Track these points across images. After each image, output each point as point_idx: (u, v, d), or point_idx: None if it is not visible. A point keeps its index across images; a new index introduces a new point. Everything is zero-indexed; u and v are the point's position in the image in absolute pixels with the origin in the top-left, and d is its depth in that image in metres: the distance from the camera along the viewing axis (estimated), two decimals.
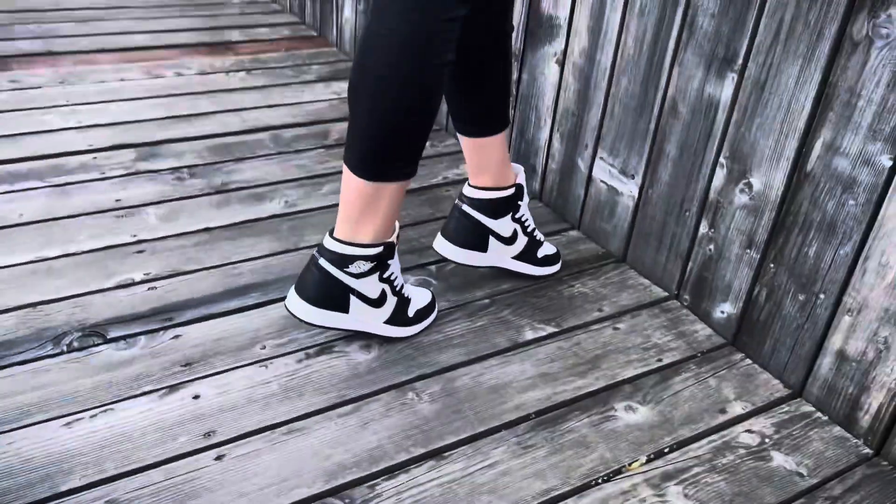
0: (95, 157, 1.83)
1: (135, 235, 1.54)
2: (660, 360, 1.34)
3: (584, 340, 1.37)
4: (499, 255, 1.46)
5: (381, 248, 1.21)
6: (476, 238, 1.43)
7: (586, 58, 1.61)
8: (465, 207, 1.41)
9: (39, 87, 2.18)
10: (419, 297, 1.35)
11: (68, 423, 1.09)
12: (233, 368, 1.23)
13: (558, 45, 1.68)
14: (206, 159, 1.88)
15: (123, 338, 1.27)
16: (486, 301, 1.45)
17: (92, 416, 1.11)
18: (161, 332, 1.29)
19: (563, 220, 1.75)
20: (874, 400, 1.19)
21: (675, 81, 1.41)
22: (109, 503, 0.98)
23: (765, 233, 1.30)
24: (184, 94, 2.23)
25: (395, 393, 1.21)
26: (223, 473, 1.04)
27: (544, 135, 1.78)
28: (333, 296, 1.22)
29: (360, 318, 1.26)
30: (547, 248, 1.52)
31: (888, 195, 1.11)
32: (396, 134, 1.14)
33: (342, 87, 2.38)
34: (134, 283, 1.40)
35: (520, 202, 1.43)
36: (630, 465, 1.12)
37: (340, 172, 1.84)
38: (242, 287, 1.42)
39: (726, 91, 1.32)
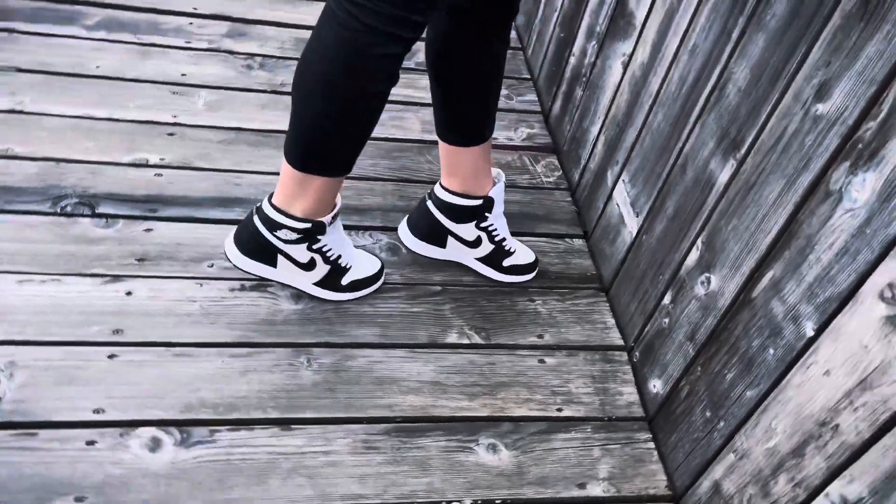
0: (192, 23, 1.97)
1: (175, 116, 1.68)
2: (559, 410, 1.32)
3: (502, 363, 1.37)
4: (460, 253, 1.46)
5: (309, 225, 1.26)
6: (435, 235, 1.43)
7: (643, 73, 1.47)
8: (429, 204, 1.41)
9: None
10: (361, 268, 1.40)
11: (20, 281, 1.30)
12: (174, 277, 1.37)
13: (627, 46, 1.54)
14: (285, 52, 1.96)
15: (107, 216, 1.44)
16: (437, 289, 1.47)
17: (42, 282, 1.31)
18: (139, 221, 1.45)
19: (578, 225, 1.68)
20: None
21: (693, 140, 1.28)
22: (11, 364, 1.19)
23: (705, 334, 1.20)
24: None
25: (290, 352, 1.31)
26: (106, 373, 1.21)
27: (594, 130, 1.68)
28: (263, 252, 1.31)
29: (288, 274, 1.34)
30: (518, 258, 1.48)
31: (798, 364, 0.99)
32: (319, 140, 1.16)
33: None
34: (146, 165, 1.56)
35: (487, 213, 1.39)
36: (450, 503, 1.17)
37: (397, 101, 1.86)
38: (232, 199, 1.54)
39: (724, 175, 1.18)
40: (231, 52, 1.91)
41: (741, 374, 1.10)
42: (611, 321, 1.49)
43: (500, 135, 1.87)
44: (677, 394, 1.27)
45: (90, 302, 1.30)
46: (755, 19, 1.12)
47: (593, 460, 1.26)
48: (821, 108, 0.98)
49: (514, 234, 1.60)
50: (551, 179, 1.78)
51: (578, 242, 1.64)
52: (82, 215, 1.44)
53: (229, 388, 1.23)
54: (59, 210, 1.43)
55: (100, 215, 1.44)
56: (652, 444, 1.31)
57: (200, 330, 1.30)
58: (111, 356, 1.23)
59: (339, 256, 1.35)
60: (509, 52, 2.26)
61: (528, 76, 2.09)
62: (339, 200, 1.30)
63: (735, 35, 1.17)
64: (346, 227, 1.53)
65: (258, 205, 1.29)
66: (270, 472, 1.15)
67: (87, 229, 1.41)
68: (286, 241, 1.28)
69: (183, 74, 1.80)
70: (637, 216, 1.45)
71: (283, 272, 1.34)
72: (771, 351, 1.04)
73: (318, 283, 1.36)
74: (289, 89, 1.79)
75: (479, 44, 1.23)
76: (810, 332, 0.97)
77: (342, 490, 1.15)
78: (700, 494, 1.19)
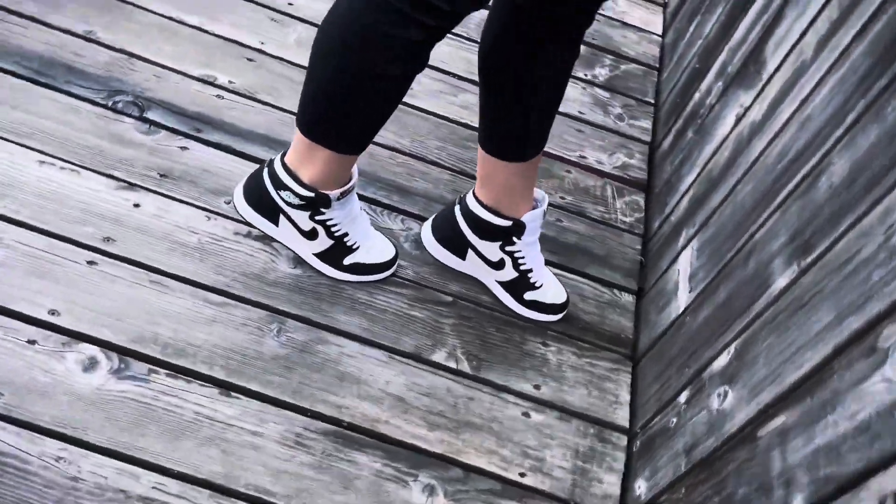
0: None
1: (262, 43, 1.63)
2: (522, 475, 1.16)
3: (481, 402, 1.22)
4: (479, 270, 1.32)
5: (312, 195, 1.16)
6: (456, 243, 1.29)
7: (750, 133, 1.25)
8: (457, 209, 1.26)
9: None
10: (371, 252, 1.29)
11: (41, 161, 1.29)
12: (186, 202, 1.32)
13: (748, 97, 1.31)
14: None
15: (152, 123, 1.41)
16: (448, 299, 1.34)
17: (61, 168, 1.30)
18: (180, 137, 1.41)
19: (636, 279, 1.48)
20: None
21: (768, 228, 1.06)
22: None
23: (701, 453, 1.01)
24: None
25: (265, 316, 1.22)
26: (79, 277, 1.18)
27: (688, 181, 1.46)
28: (267, 207, 1.23)
29: (289, 237, 1.25)
30: (544, 294, 1.32)
31: None
32: (327, 109, 1.07)
33: None
34: (213, 84, 1.52)
35: (516, 238, 1.24)
36: None
37: None
38: (280, 141, 1.46)
39: (781, 281, 0.97)
40: None
41: None
42: (625, 397, 1.30)
43: (591, 155, 1.68)
44: None
45: (96, 202, 1.27)
46: (875, 107, 0.89)
47: None
48: None
49: (560, 267, 1.43)
50: (628, 220, 1.58)
51: (627, 298, 1.45)
52: (130, 115, 1.41)
53: (188, 332, 1.17)
54: (110, 104, 1.42)
55: (146, 120, 1.42)
56: None
57: (188, 264, 1.25)
58: (90, 262, 1.20)
59: (346, 234, 1.25)
60: (640, 69, 2.08)
61: (653, 101, 1.88)
62: (354, 175, 1.19)
63: (849, 119, 0.94)
64: (381, 205, 1.43)
65: (272, 157, 1.21)
66: (189, 432, 1.08)
67: (128, 130, 1.39)
68: (289, 204, 1.19)
69: (290, 3, 1.74)
70: (690, 292, 1.25)
71: (285, 234, 1.25)
72: None
73: (319, 255, 1.27)
74: None
75: (536, 48, 1.07)
76: None
77: (251, 478, 1.06)
78: None
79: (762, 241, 1.06)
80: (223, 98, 1.50)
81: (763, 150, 1.17)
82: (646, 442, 1.20)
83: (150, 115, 1.42)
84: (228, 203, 1.33)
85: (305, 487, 1.07)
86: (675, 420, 1.13)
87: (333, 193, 1.17)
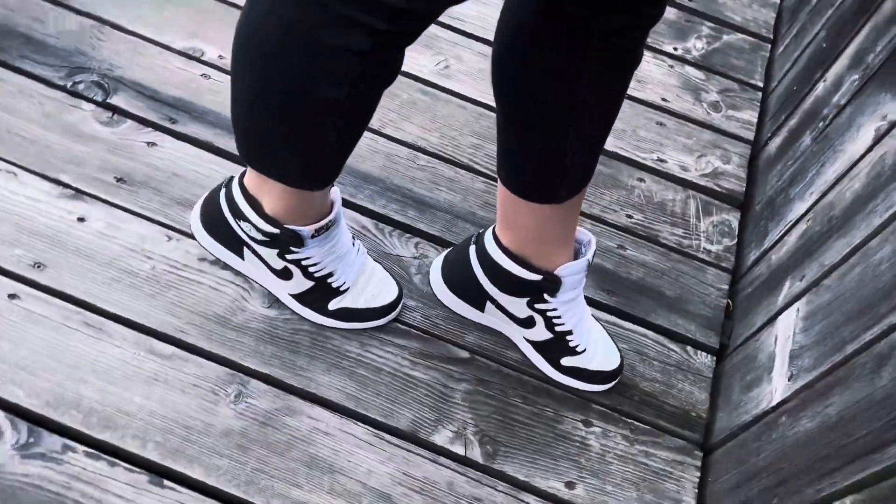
0: None
1: None
2: None
3: (493, 502, 0.93)
4: (502, 324, 1.00)
5: (276, 231, 0.87)
6: (472, 293, 0.98)
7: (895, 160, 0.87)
8: (472, 252, 0.95)
9: None
10: (364, 293, 0.99)
11: None
12: (143, 216, 1.05)
13: (894, 107, 0.93)
14: None
15: (116, 110, 1.15)
16: (464, 354, 1.03)
17: (8, 172, 1.06)
18: (149, 130, 1.14)
19: (719, 332, 1.13)
20: None
21: None
22: None
23: None
24: None
25: (223, 374, 0.95)
26: (7, 323, 0.94)
27: (800, 208, 1.09)
28: (227, 237, 0.95)
29: (258, 274, 0.98)
30: (588, 360, 0.99)
31: None
32: (259, 137, 0.80)
33: None
34: (198, 60, 1.23)
35: (549, 296, 0.92)
36: None
37: None
38: None
39: None
40: None
41: None
42: (689, 502, 0.98)
43: (673, 157, 1.32)
44: None
45: (31, 215, 1.03)
46: None
47: None
48: None
49: (616, 312, 1.11)
50: (714, 248, 1.22)
51: (704, 360, 1.11)
52: (90, 100, 1.15)
53: (121, 395, 0.92)
54: (68, 85, 1.16)
55: (109, 106, 1.15)
56: None
57: (134, 300, 0.99)
58: (12, 296, 0.96)
59: (331, 274, 0.96)
60: (748, 41, 1.64)
61: (761, 84, 1.48)
62: (336, 202, 0.90)
63: None
64: (391, 223, 1.13)
65: (231, 177, 0.93)
66: None
67: (85, 119, 1.13)
68: (252, 239, 0.91)
69: None
70: (790, 379, 0.91)
71: (252, 269, 0.98)
72: None
73: (297, 297, 0.99)
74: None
75: (580, 55, 0.73)
76: None
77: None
78: None
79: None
80: (209, 77, 1.22)
81: None
82: None
83: (115, 99, 1.16)
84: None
85: None
86: None
87: (306, 231, 0.88)
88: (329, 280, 0.96)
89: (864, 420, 0.73)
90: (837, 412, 0.78)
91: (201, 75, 1.22)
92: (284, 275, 0.95)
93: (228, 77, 1.19)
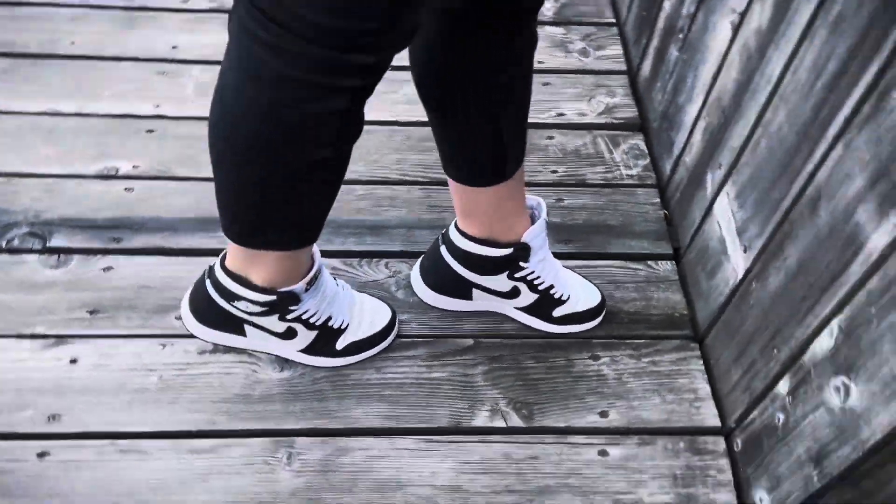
0: None
1: (157, 106, 1.36)
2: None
3: (548, 457, 1.02)
4: (493, 303, 1.10)
5: (274, 298, 0.94)
6: (456, 286, 1.07)
7: (759, 44, 1.01)
8: (443, 251, 1.04)
9: None
10: (363, 324, 1.07)
11: None
12: (131, 336, 1.08)
13: (740, 1, 1.07)
14: None
15: (60, 251, 1.17)
16: (469, 342, 1.12)
17: None
18: (98, 257, 1.16)
19: (668, 239, 1.26)
20: None
21: (831, 167, 0.84)
22: None
23: (837, 466, 0.81)
24: None
25: (268, 444, 1.00)
26: (34, 479, 0.95)
27: (691, 112, 1.23)
28: (225, 321, 1.00)
29: (264, 345, 1.03)
30: (576, 304, 1.10)
31: None
32: (257, 215, 0.85)
33: None
34: (115, 177, 1.26)
35: (523, 263, 1.02)
36: None
37: None
38: (214, 220, 1.22)
39: (880, 238, 0.75)
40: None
41: None
42: (703, 388, 1.10)
43: (569, 107, 1.44)
44: None
45: (26, 375, 1.04)
46: None
47: None
48: None
49: (578, 256, 1.22)
50: (634, 172, 1.35)
51: (666, 266, 1.23)
52: (31, 250, 1.16)
53: (185, 500, 0.96)
54: (3, 245, 1.17)
55: (51, 250, 1.17)
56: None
57: (156, 413, 1.02)
58: (41, 454, 0.98)
59: (329, 318, 1.03)
60: None
61: (613, 19, 1.63)
62: (316, 254, 0.96)
63: None
64: (356, 255, 1.20)
65: (210, 265, 0.98)
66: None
67: (34, 271, 1.14)
68: (250, 314, 0.97)
69: (174, 47, 1.47)
70: (745, 251, 1.03)
71: (257, 342, 1.03)
72: None
73: (305, 350, 1.04)
74: None
75: (485, 50, 0.83)
76: None
77: None
78: None
79: (829, 186, 0.84)
80: (133, 190, 1.25)
81: (786, 65, 0.94)
82: (749, 441, 1.00)
83: (55, 241, 1.17)
84: (179, 318, 1.10)
85: None
86: (781, 417, 0.93)
87: (299, 287, 0.94)
88: (329, 324, 1.02)
89: (820, 256, 0.86)
90: (796, 260, 0.91)
91: (125, 189, 1.25)
92: (289, 335, 1.01)
93: (150, 182, 1.25)
